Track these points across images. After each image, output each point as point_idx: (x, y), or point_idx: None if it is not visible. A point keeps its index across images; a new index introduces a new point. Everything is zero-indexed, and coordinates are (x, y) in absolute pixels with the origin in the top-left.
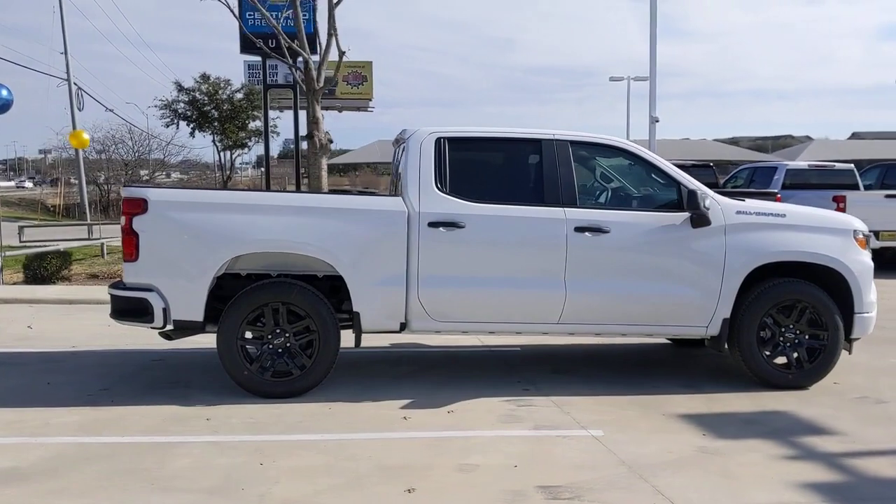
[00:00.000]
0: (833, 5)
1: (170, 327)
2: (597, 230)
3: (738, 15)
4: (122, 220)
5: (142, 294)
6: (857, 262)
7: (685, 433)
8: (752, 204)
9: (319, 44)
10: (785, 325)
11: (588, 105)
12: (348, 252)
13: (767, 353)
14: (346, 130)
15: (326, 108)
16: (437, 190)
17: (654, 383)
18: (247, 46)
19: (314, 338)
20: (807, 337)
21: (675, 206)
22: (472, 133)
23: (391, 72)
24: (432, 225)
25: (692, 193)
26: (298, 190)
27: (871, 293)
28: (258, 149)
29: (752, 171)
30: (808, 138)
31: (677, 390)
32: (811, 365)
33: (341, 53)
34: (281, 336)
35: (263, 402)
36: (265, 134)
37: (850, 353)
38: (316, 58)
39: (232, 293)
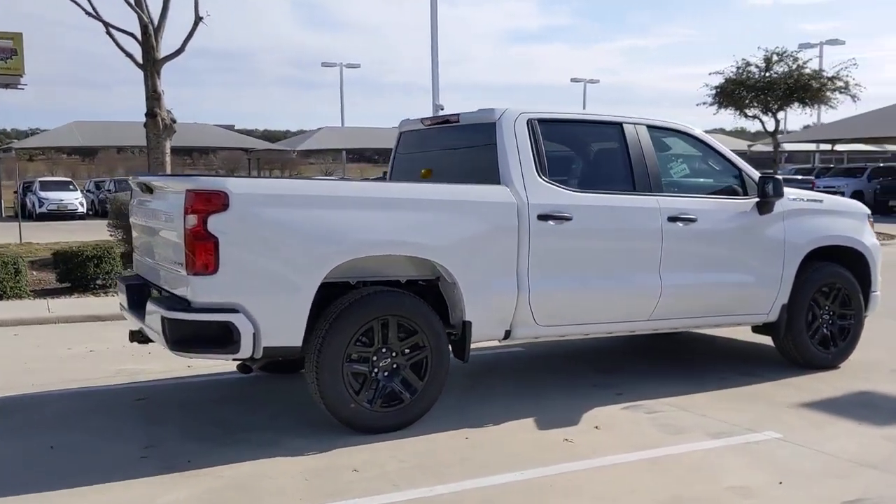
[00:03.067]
0: (465, 8)
1: (257, 357)
2: (686, 219)
3: (385, 8)
4: (189, 220)
5: (224, 316)
6: (874, 245)
7: (852, 425)
8: (798, 191)
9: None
10: (823, 308)
11: (243, 90)
12: (461, 252)
13: (810, 335)
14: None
15: None
16: (539, 178)
17: (719, 374)
18: None
19: (426, 356)
20: (838, 318)
21: (735, 193)
22: (561, 115)
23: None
24: (542, 218)
25: (763, 179)
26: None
27: (879, 273)
28: None
29: None
30: None
31: (749, 379)
32: (843, 344)
33: (198, 19)
34: (387, 356)
35: (376, 439)
36: None
37: None
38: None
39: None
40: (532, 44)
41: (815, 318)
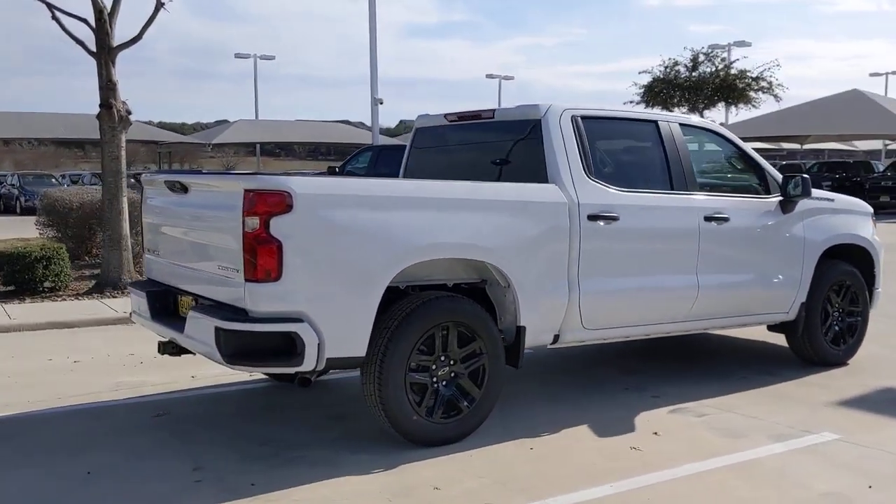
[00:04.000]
0: (366, 3)
1: (319, 369)
2: (720, 218)
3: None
4: (250, 222)
5: (287, 327)
6: (878, 243)
7: None
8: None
9: None
10: (834, 305)
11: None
12: (518, 254)
13: (823, 333)
14: None
15: None
16: (587, 177)
17: (737, 373)
18: None
19: (483, 363)
20: (846, 315)
21: (758, 191)
22: (601, 112)
23: None
24: (591, 218)
25: (790, 178)
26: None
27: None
28: None
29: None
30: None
31: (769, 378)
32: (852, 341)
33: (159, 4)
34: (446, 364)
35: (436, 452)
36: None
37: None
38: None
39: None
40: (432, 39)
41: (828, 315)
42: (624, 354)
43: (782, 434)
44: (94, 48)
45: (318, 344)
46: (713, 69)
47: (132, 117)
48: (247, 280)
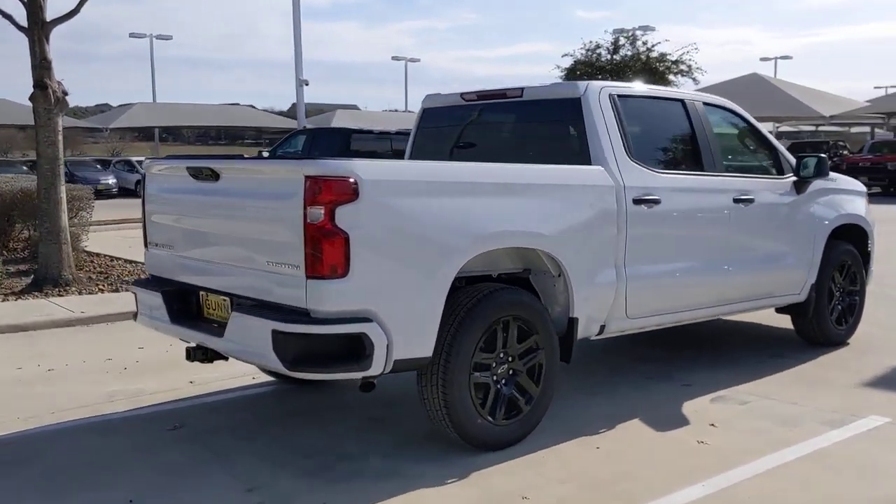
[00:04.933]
0: None
1: (386, 372)
2: (747, 200)
3: None
4: (313, 212)
5: (356, 327)
6: (873, 222)
7: None
8: None
9: None
10: (838, 285)
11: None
12: (572, 241)
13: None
14: None
15: None
16: (628, 158)
17: (749, 357)
18: None
19: (540, 358)
20: (846, 294)
21: (772, 171)
22: (635, 91)
23: None
24: (636, 202)
25: (807, 158)
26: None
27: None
28: None
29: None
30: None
31: (784, 361)
32: (852, 320)
33: None
34: (504, 362)
35: (501, 457)
36: None
37: None
38: None
39: None
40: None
41: (832, 296)
42: (630, 342)
43: (833, 420)
44: (25, 23)
45: (387, 345)
46: (634, 52)
47: (69, 98)
48: (309, 277)
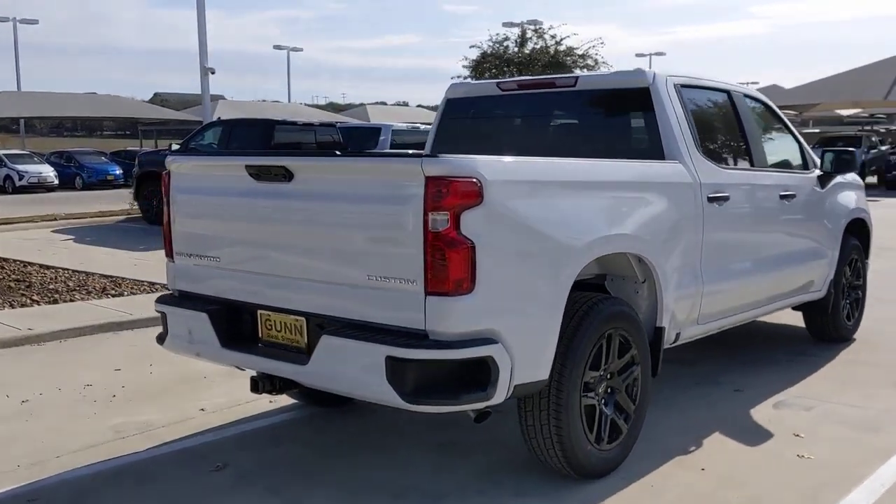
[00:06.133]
0: None
1: (507, 399)
2: (790, 195)
3: None
4: (436, 219)
5: (484, 350)
6: (871, 216)
7: None
8: None
9: None
10: (847, 280)
11: None
12: (663, 243)
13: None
14: None
15: None
16: (698, 153)
17: (780, 357)
18: None
19: (636, 374)
20: (852, 289)
21: (797, 167)
22: (692, 80)
23: None
24: (710, 199)
25: (837, 153)
26: None
27: None
28: None
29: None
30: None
31: (812, 360)
32: (857, 315)
33: None
34: (604, 380)
35: (611, 485)
36: None
37: None
38: None
39: None
40: (180, 8)
41: (844, 291)
42: None
43: None
44: None
45: (511, 368)
46: (542, 45)
47: None
48: (429, 294)
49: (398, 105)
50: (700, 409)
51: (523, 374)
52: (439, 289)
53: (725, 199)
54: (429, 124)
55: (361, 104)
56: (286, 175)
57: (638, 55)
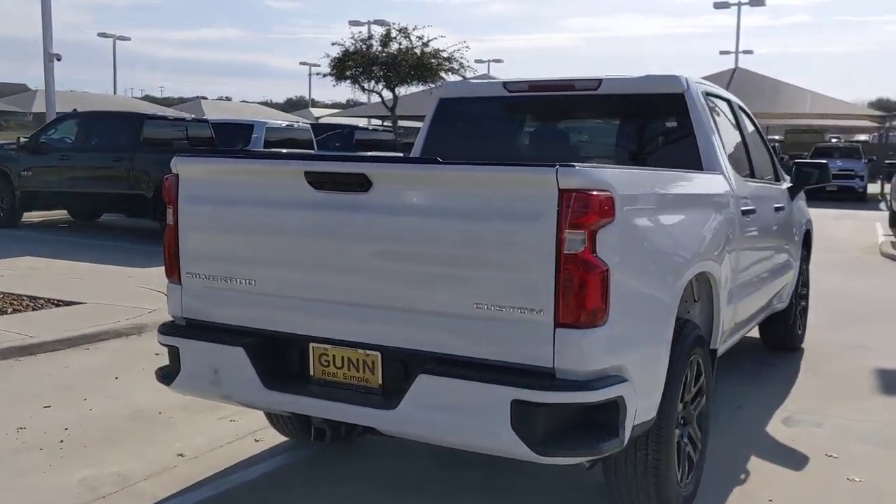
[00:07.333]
0: None
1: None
2: (780, 207)
3: None
4: (572, 239)
5: (616, 390)
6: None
7: None
8: None
9: None
10: (798, 290)
11: None
12: (721, 258)
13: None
14: None
15: None
16: (729, 164)
17: (752, 368)
18: None
19: (705, 402)
20: (801, 298)
21: (773, 178)
22: (712, 88)
23: None
24: (743, 212)
25: (809, 165)
26: None
27: None
28: None
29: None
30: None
31: (784, 372)
32: (803, 322)
33: None
34: (680, 409)
35: None
36: None
37: None
38: None
39: None
40: None
41: (797, 300)
42: None
43: None
44: None
45: (635, 409)
46: (408, 46)
47: None
48: (560, 325)
49: (220, 100)
50: (715, 429)
51: (643, 413)
52: (572, 320)
53: (753, 212)
54: (294, 122)
55: (196, 98)
56: (363, 184)
57: (478, 61)
